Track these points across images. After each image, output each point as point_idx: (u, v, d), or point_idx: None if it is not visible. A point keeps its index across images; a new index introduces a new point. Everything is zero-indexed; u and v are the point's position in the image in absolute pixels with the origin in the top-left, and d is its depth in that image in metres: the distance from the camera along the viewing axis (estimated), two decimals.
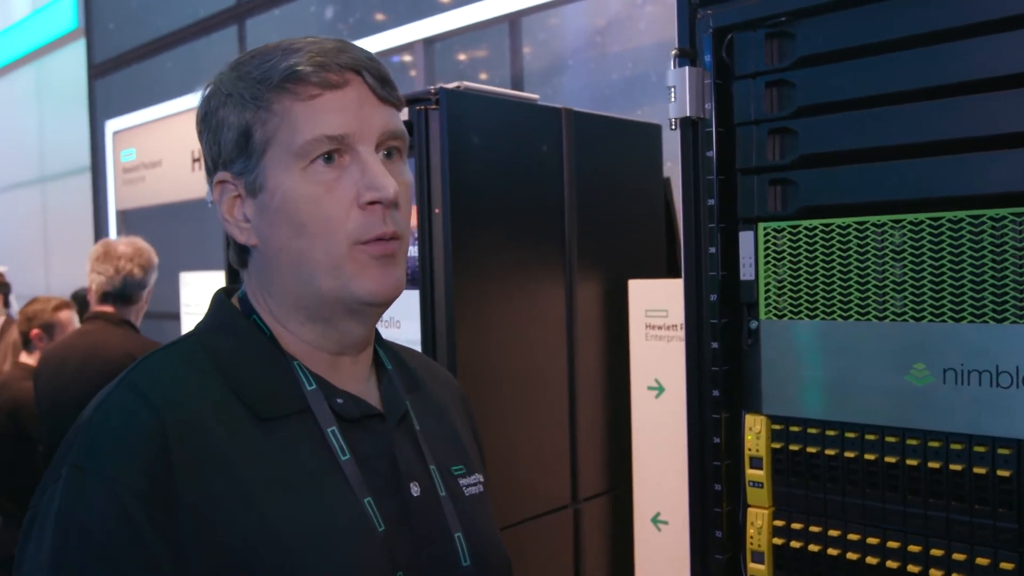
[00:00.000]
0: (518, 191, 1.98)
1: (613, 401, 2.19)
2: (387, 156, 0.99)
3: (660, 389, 2.06)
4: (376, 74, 0.98)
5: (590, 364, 2.15)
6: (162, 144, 5.55)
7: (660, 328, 2.06)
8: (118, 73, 6.68)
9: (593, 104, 3.46)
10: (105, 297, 3.05)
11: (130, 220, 6.07)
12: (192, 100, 5.35)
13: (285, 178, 0.95)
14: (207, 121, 1.00)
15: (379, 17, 4.89)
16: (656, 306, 2.07)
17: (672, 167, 2.48)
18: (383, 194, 0.95)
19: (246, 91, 0.96)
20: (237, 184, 0.99)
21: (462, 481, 1.09)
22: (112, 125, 6.11)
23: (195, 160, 5.28)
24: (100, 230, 6.80)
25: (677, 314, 2.04)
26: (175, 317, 4.55)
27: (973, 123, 1.04)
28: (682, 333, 2.04)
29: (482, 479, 1.13)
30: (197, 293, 4.56)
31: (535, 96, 2.05)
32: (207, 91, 1.01)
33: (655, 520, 2.08)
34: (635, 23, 3.65)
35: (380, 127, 0.97)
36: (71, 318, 3.82)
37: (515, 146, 1.97)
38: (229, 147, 0.97)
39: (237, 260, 1.05)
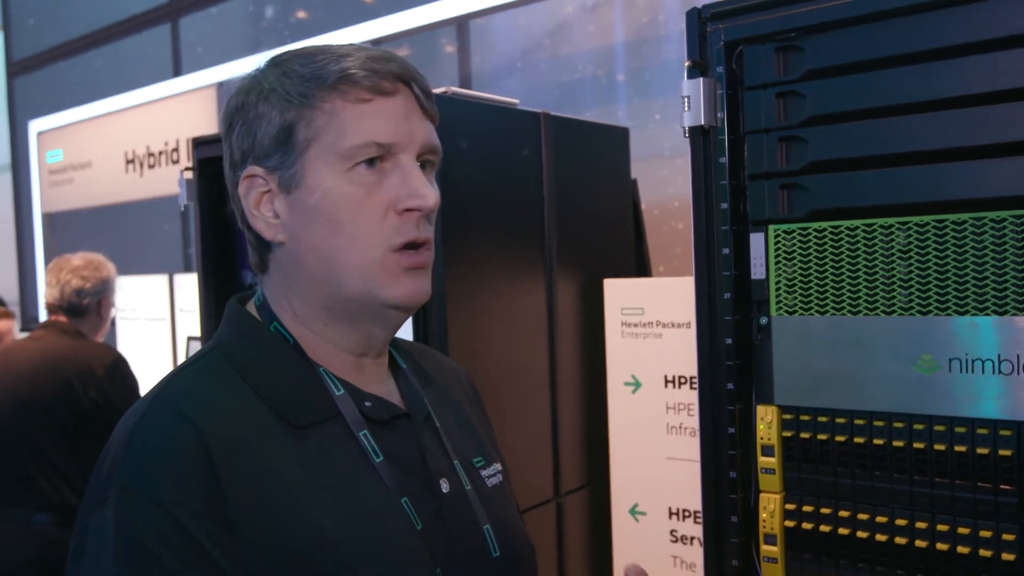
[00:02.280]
0: (502, 194, 2.03)
1: (591, 397, 2.26)
2: (421, 167, 1.01)
3: (636, 384, 2.13)
4: (423, 86, 1.01)
5: (569, 361, 2.22)
6: (92, 145, 5.41)
7: (636, 325, 2.13)
8: (40, 71, 6.45)
9: (541, 107, 3.53)
10: (51, 309, 3.12)
11: (57, 223, 5.89)
12: (124, 100, 5.22)
13: (327, 177, 0.96)
14: (243, 112, 1.00)
15: (316, 18, 4.86)
16: (631, 304, 2.14)
17: (637, 169, 2.56)
18: (424, 202, 0.98)
19: (293, 88, 0.96)
20: (269, 179, 0.99)
21: (483, 473, 1.12)
22: (36, 125, 5.90)
23: (128, 162, 5.16)
24: (23, 232, 6.56)
25: (652, 312, 2.12)
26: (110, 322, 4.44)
27: (974, 133, 1.14)
28: (658, 330, 2.14)
29: (500, 467, 1.17)
30: (132, 297, 4.45)
31: (515, 100, 2.10)
32: (243, 84, 1.01)
33: (633, 511, 2.15)
34: (584, 26, 3.72)
35: (422, 139, 1.00)
36: (11, 328, 3.73)
37: (498, 150, 2.02)
38: (265, 141, 0.98)
39: (258, 263, 1.05)
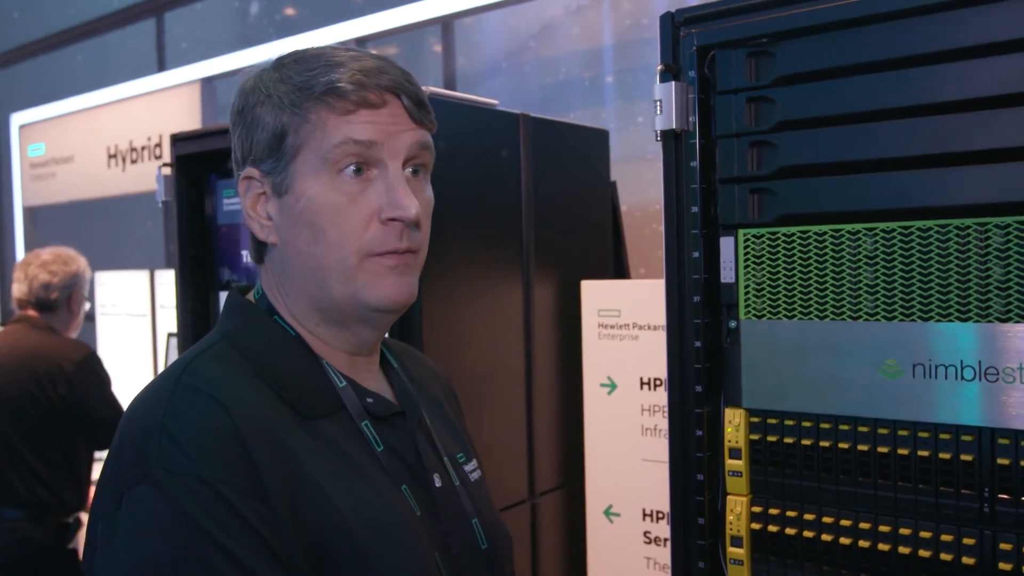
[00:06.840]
0: (480, 194, 2.03)
1: (567, 398, 2.26)
2: (413, 174, 1.03)
3: (612, 386, 2.14)
4: (413, 97, 1.01)
5: (546, 362, 2.22)
6: (74, 139, 5.37)
7: (612, 327, 2.14)
8: (23, 64, 6.41)
9: (524, 109, 3.52)
10: (20, 304, 3.13)
11: (39, 217, 5.84)
12: (107, 94, 5.19)
13: (312, 183, 0.98)
14: (243, 116, 1.03)
15: (303, 15, 4.85)
16: (608, 306, 2.15)
17: (616, 171, 2.56)
18: (404, 213, 0.98)
19: (285, 96, 0.98)
20: (264, 182, 1.02)
21: (466, 468, 1.17)
22: (18, 118, 5.85)
23: (110, 156, 5.13)
24: (4, 227, 6.51)
25: (629, 314, 2.13)
26: (89, 318, 4.41)
27: (941, 141, 1.15)
28: (634, 332, 2.14)
29: (478, 463, 1.21)
30: (112, 293, 4.44)
31: (494, 101, 2.10)
32: (246, 86, 1.03)
33: (607, 512, 2.16)
34: (568, 28, 3.73)
35: (409, 146, 1.00)
36: None
37: (477, 150, 2.02)
38: (261, 146, 1.00)
39: (256, 256, 1.08)
